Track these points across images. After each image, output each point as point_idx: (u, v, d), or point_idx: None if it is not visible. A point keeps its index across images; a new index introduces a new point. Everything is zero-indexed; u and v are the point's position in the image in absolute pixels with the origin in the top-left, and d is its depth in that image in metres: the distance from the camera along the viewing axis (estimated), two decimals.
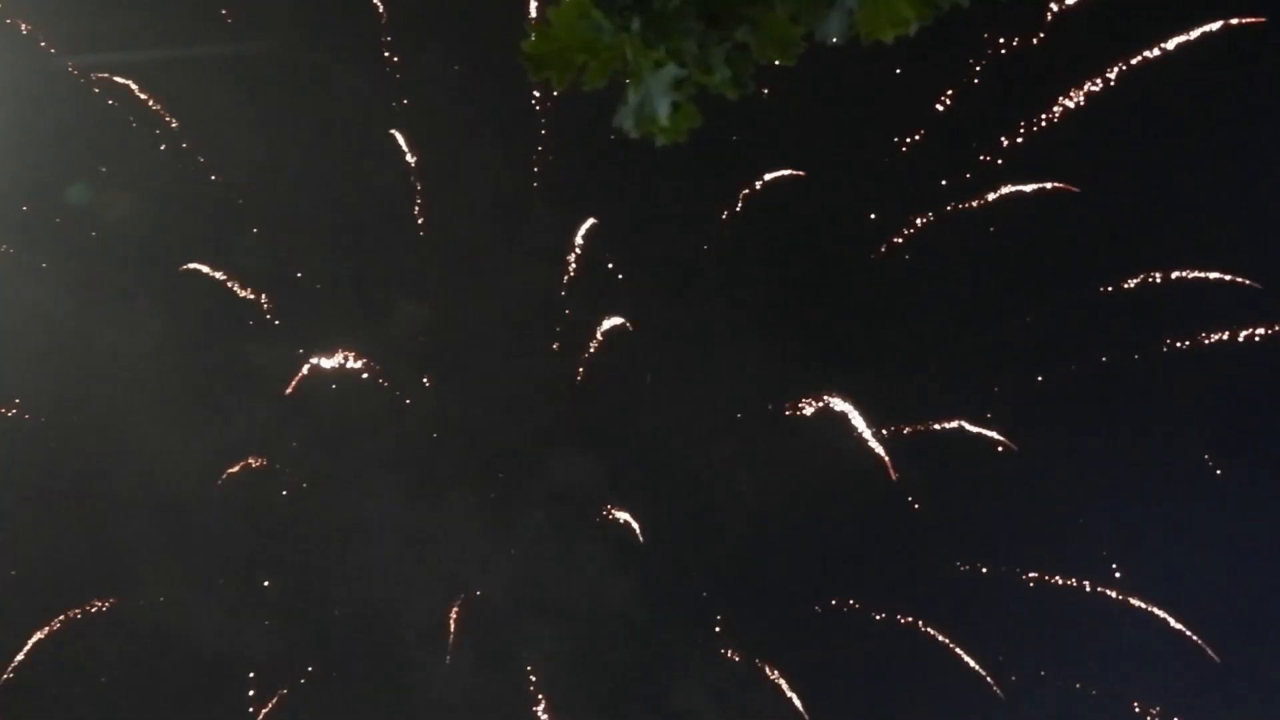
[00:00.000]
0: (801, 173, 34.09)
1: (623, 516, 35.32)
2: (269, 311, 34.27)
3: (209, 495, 33.45)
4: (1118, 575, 33.56)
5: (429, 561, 35.15)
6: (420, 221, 34.76)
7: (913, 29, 6.35)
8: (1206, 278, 32.69)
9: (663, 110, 6.22)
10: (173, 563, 33.52)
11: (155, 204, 32.98)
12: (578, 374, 35.60)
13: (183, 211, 33.48)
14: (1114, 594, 33.52)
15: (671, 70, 6.17)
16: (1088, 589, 33.85)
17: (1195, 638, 33.41)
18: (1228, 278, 32.78)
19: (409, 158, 34.37)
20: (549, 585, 35.52)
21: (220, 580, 33.95)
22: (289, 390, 34.20)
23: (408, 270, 35.21)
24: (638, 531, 35.18)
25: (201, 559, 33.63)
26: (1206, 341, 33.26)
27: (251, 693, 33.07)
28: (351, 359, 34.52)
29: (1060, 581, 34.00)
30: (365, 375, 34.86)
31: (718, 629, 35.25)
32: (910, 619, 34.35)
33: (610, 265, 34.75)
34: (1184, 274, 32.76)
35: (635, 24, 6.10)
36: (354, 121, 33.76)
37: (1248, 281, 32.79)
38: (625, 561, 35.47)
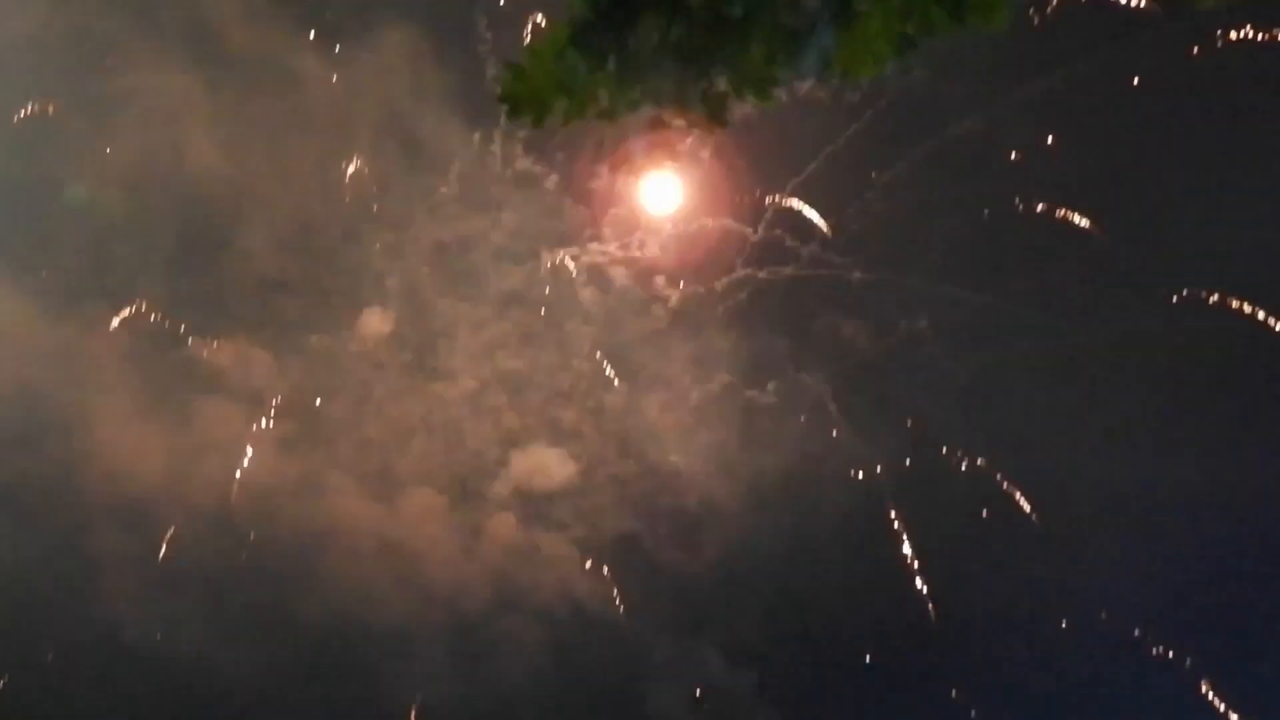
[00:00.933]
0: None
1: (596, 513, 35.37)
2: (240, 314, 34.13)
3: (172, 500, 33.28)
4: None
5: (399, 565, 35.07)
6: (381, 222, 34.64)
7: (889, 66, 6.37)
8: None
9: (639, 150, 6.23)
10: (138, 569, 33.32)
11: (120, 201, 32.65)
12: (548, 371, 35.55)
13: (146, 209, 33.07)
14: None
15: (647, 110, 6.18)
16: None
17: None
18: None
19: (366, 168, 34.20)
20: (522, 587, 35.49)
21: (185, 587, 33.75)
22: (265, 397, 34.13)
23: (372, 272, 35.04)
24: (609, 534, 35.27)
25: (165, 565, 33.41)
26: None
27: (221, 702, 32.94)
28: (314, 362, 34.50)
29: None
30: (331, 378, 34.81)
31: (697, 632, 35.31)
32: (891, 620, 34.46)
33: (572, 263, 34.63)
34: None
35: (611, 64, 6.10)
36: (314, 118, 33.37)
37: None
38: (599, 561, 35.50)
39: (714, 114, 6.31)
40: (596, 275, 34.14)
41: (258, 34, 32.40)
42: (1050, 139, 32.79)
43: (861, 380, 34.96)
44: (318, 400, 34.92)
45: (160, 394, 33.43)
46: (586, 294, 34.54)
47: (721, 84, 6.26)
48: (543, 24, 30.51)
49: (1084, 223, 33.33)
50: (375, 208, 34.58)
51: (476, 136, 33.45)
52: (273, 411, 34.44)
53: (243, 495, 33.86)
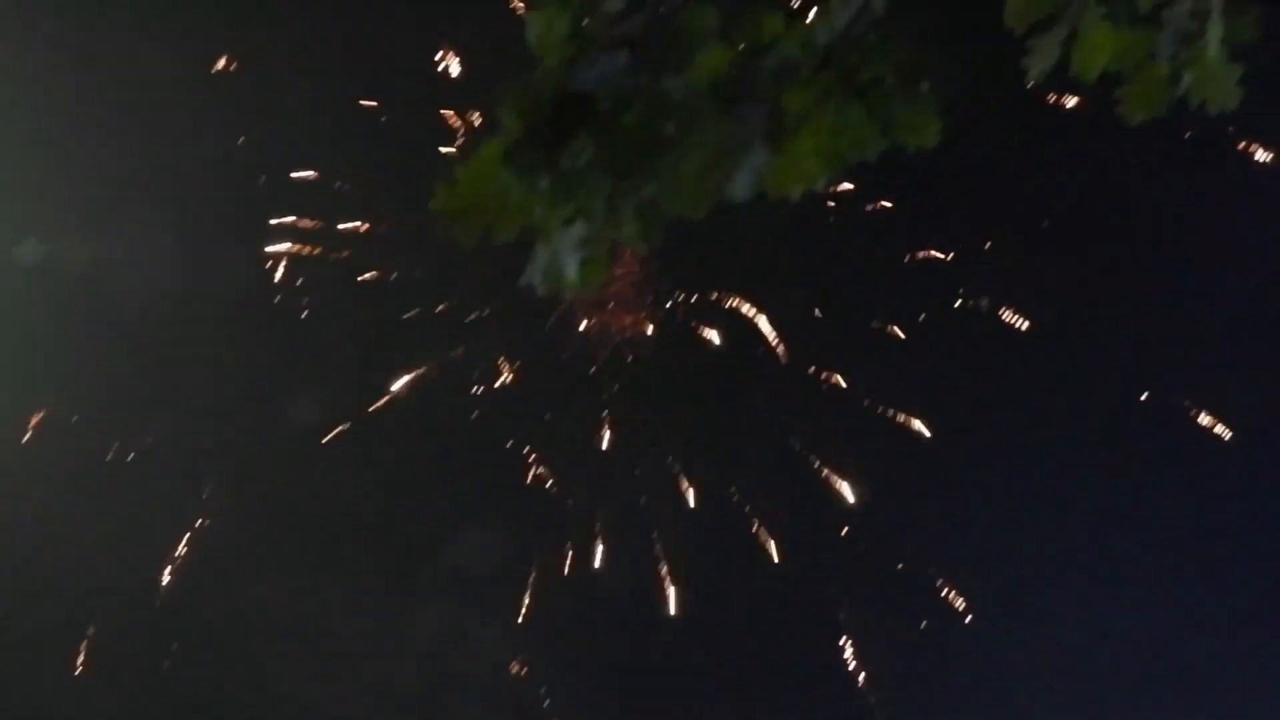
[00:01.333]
0: None
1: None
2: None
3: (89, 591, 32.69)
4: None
5: (331, 647, 34.60)
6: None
7: (820, 184, 6.41)
8: None
9: (570, 267, 6.20)
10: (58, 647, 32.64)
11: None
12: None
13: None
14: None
15: (579, 228, 6.16)
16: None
17: None
18: None
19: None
20: (455, 661, 35.11)
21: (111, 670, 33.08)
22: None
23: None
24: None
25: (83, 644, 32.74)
26: None
27: None
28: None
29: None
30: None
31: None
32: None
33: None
34: None
35: (543, 183, 6.08)
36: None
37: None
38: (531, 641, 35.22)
39: (648, 230, 6.31)
40: None
41: None
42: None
43: None
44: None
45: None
46: None
47: (655, 200, 6.27)
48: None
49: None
50: None
51: None
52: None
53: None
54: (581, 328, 33.68)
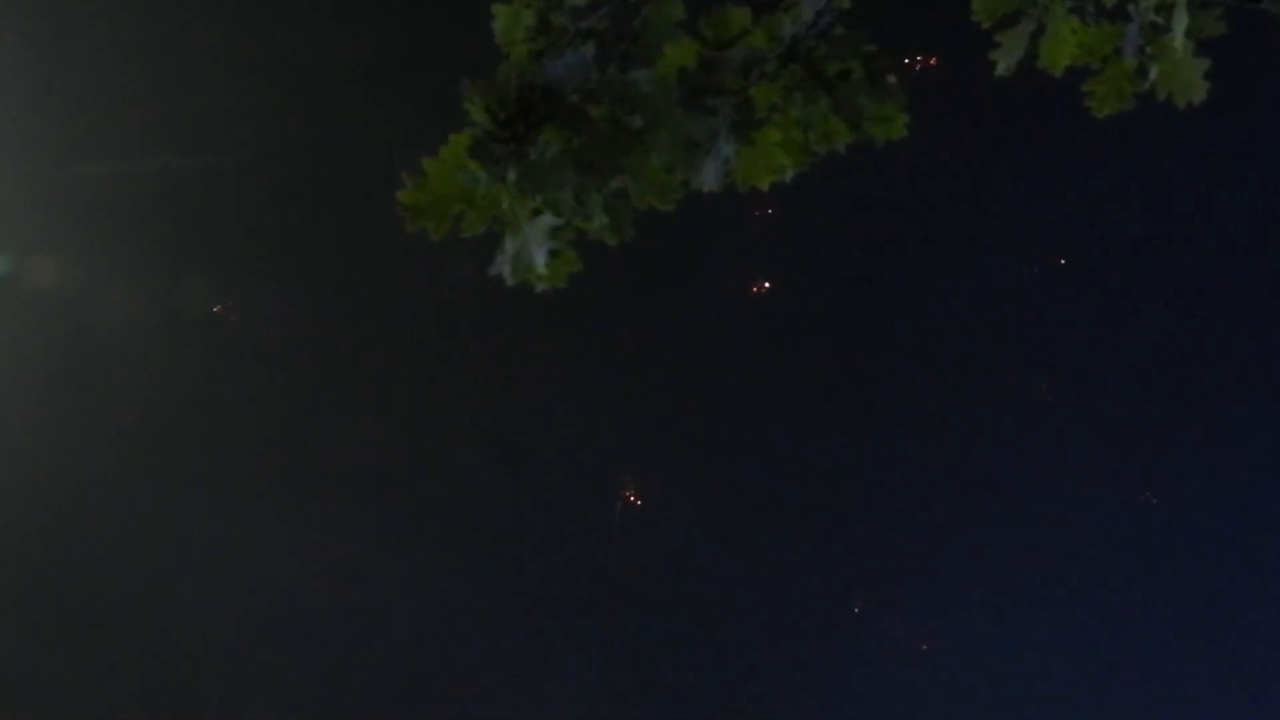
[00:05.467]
0: None
1: None
2: None
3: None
4: None
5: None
6: None
7: (789, 175, 6.43)
8: None
9: (539, 258, 6.20)
10: None
11: None
12: None
13: None
14: None
15: (548, 219, 6.16)
16: None
17: None
18: None
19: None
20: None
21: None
22: None
23: None
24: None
25: None
26: None
27: None
28: None
29: None
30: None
31: None
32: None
33: None
34: None
35: (511, 175, 6.08)
36: None
37: None
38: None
39: (617, 222, 6.32)
40: None
41: None
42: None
43: None
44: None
45: None
46: None
47: (624, 193, 6.28)
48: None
49: None
50: None
51: None
52: None
53: None
54: None
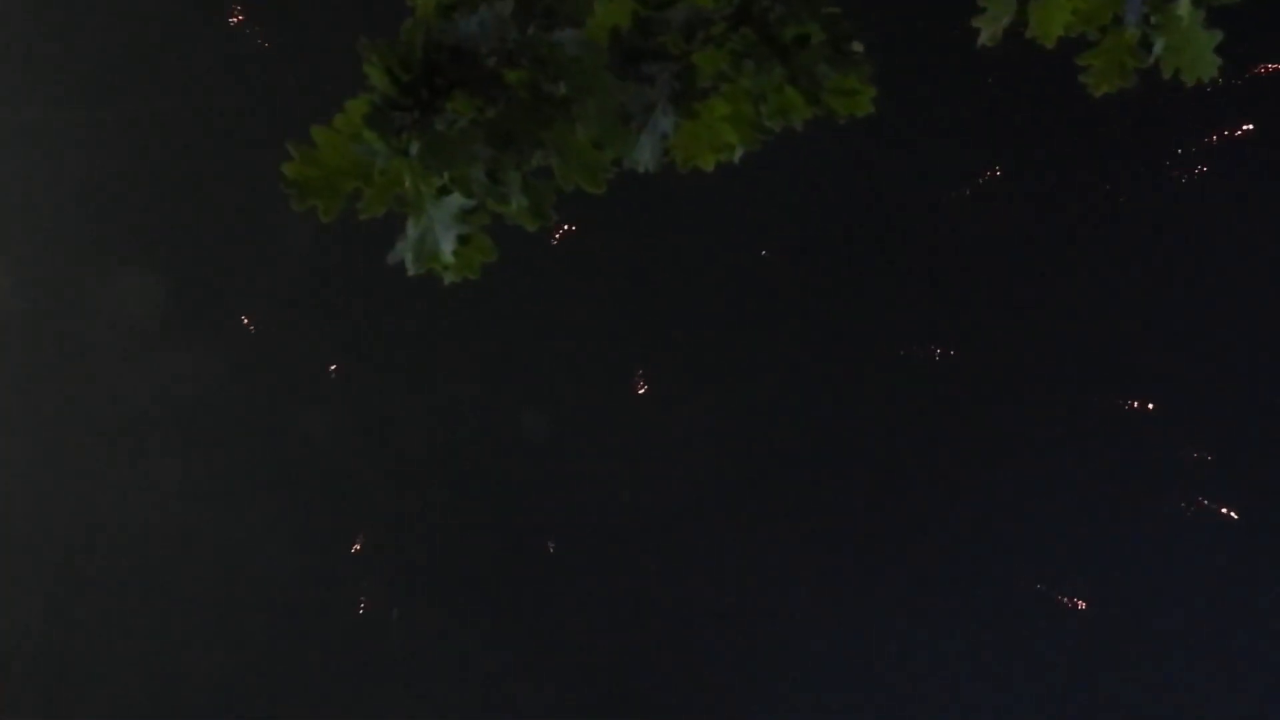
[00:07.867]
0: None
1: None
2: None
3: None
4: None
5: None
6: None
7: (737, 155, 5.63)
8: None
9: (446, 244, 5.39)
10: None
11: None
12: None
13: None
14: None
15: (456, 200, 5.36)
16: None
17: None
18: None
19: None
20: None
21: None
22: None
23: None
24: None
25: None
26: None
27: None
28: None
29: None
30: None
31: None
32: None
33: None
34: None
35: (414, 148, 5.27)
36: None
37: None
38: None
39: (537, 206, 5.51)
40: None
41: None
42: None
43: None
44: None
45: None
46: None
47: (546, 172, 5.48)
48: None
49: None
50: None
51: None
52: None
53: None
54: None
